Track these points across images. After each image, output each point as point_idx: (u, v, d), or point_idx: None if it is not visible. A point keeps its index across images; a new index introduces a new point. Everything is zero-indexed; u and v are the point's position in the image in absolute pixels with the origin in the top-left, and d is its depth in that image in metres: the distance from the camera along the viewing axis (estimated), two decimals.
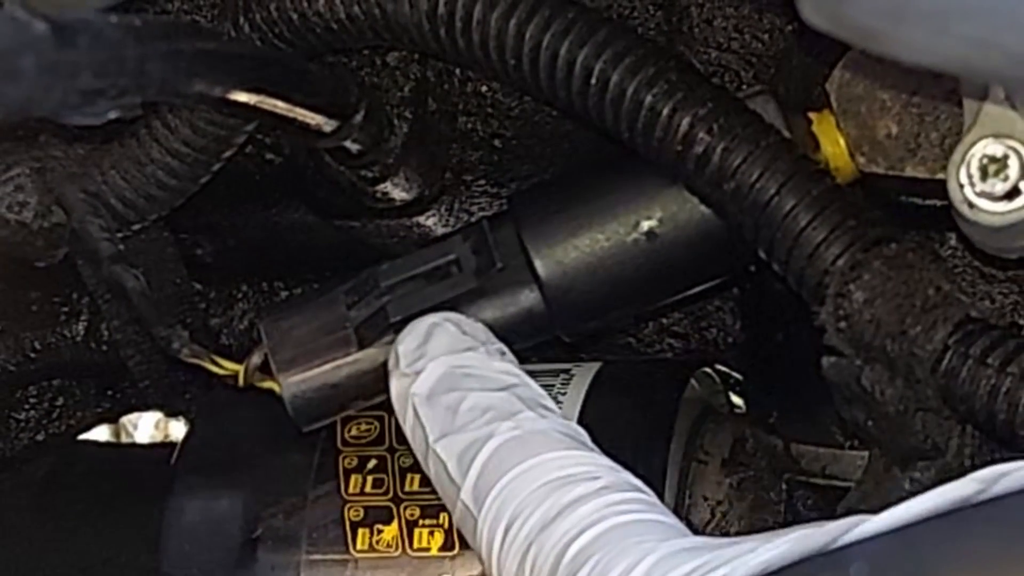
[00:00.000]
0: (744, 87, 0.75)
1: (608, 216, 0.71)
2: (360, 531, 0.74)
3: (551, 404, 0.65)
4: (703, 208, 0.70)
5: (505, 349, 0.68)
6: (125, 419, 1.08)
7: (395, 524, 0.74)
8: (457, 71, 0.78)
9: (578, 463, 0.60)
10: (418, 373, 0.66)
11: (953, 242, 0.75)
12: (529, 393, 0.65)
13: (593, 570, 0.54)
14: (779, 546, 0.48)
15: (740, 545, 0.51)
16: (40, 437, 0.90)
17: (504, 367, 0.66)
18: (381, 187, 0.78)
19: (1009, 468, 0.46)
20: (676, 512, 0.60)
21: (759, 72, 0.75)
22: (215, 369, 0.75)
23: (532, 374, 0.71)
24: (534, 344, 0.74)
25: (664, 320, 0.84)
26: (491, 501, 0.60)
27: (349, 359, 0.72)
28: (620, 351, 0.84)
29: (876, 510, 0.46)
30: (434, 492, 0.72)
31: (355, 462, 0.76)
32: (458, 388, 0.64)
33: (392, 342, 0.71)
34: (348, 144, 0.75)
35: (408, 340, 0.67)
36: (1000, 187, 0.62)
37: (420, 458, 0.65)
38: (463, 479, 0.62)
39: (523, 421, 0.63)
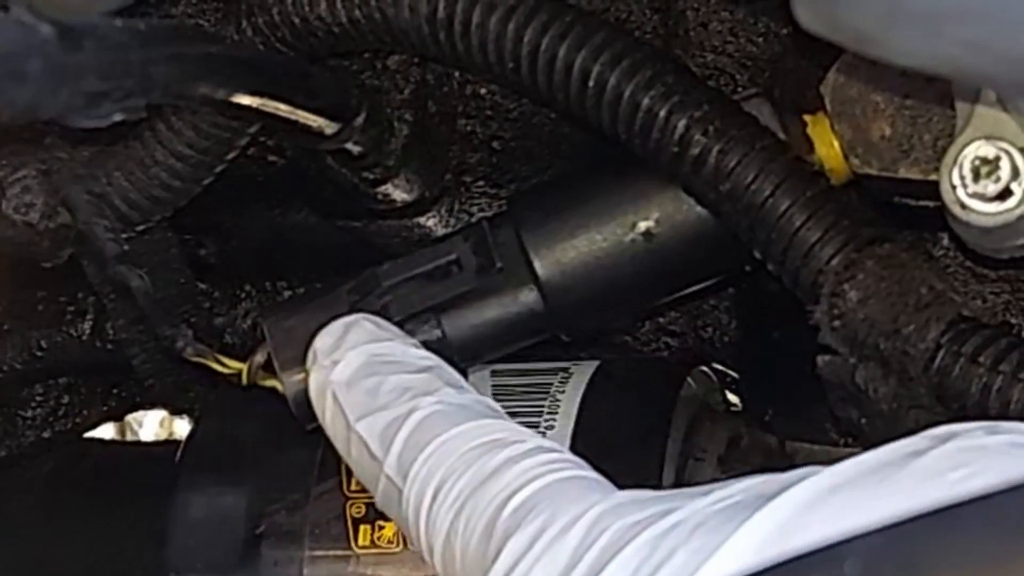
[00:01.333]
0: (740, 90, 0.76)
1: (606, 217, 0.72)
2: (362, 527, 0.74)
3: (468, 386, 0.65)
4: (699, 209, 0.71)
5: (419, 343, 0.68)
6: (130, 417, 1.09)
7: None
8: (456, 74, 0.79)
9: (503, 430, 0.60)
10: (336, 363, 0.66)
11: (945, 242, 0.75)
12: (447, 374, 0.65)
13: (536, 522, 0.53)
14: (732, 491, 0.49)
15: (687, 492, 0.50)
16: (46, 435, 0.90)
17: (422, 353, 0.66)
18: (382, 188, 0.78)
19: (960, 428, 0.47)
20: None
21: (754, 75, 0.76)
22: (219, 368, 0.75)
23: (531, 372, 0.72)
24: (533, 343, 0.75)
25: (661, 319, 0.84)
26: (417, 469, 0.59)
27: None
28: (618, 350, 0.84)
29: (828, 463, 0.47)
30: None
31: None
32: (378, 373, 0.64)
33: None
34: (349, 146, 0.75)
35: (325, 337, 0.67)
36: (992, 188, 0.62)
37: (340, 446, 0.64)
38: (386, 454, 0.61)
39: (445, 396, 0.62)
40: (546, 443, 0.59)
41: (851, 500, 0.45)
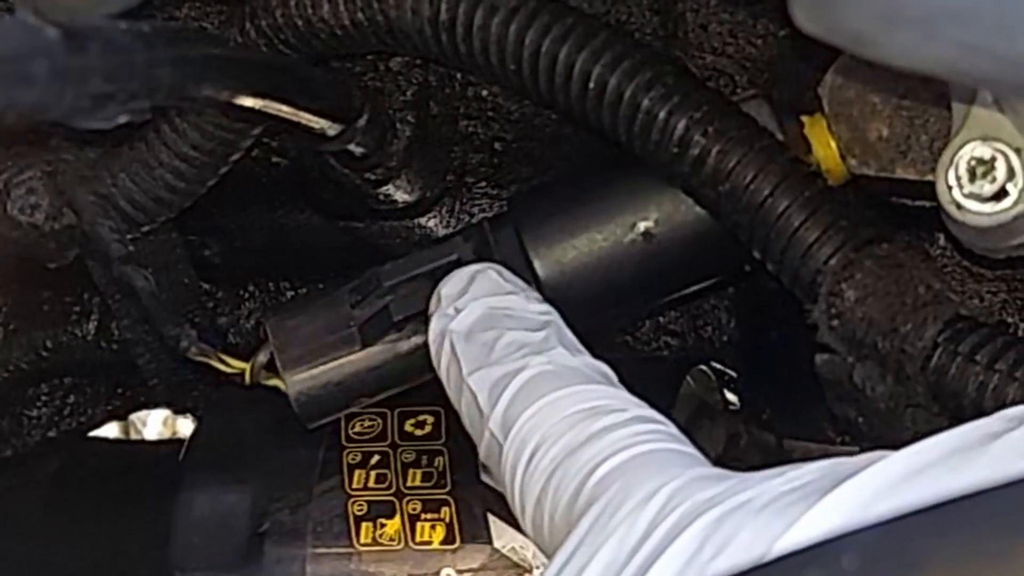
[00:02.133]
0: (738, 91, 0.76)
1: (606, 217, 0.72)
2: (363, 525, 0.75)
3: (583, 348, 0.65)
4: (698, 209, 0.71)
5: (541, 298, 0.68)
6: (134, 416, 1.09)
7: (397, 518, 0.75)
8: (458, 76, 0.79)
9: (606, 396, 0.60)
10: (458, 312, 0.66)
11: (942, 242, 0.76)
12: (564, 334, 0.65)
13: (617, 493, 0.53)
14: (805, 472, 0.49)
15: (764, 472, 0.50)
16: (52, 434, 0.90)
17: (543, 308, 0.66)
18: (384, 189, 0.79)
19: None
20: None
21: (753, 76, 0.76)
22: (222, 367, 0.75)
23: None
24: None
25: (661, 319, 0.85)
26: (518, 428, 0.60)
27: (353, 357, 0.73)
28: (617, 349, 0.84)
29: (898, 446, 0.47)
30: (435, 487, 0.73)
31: (359, 458, 0.76)
32: (496, 327, 0.64)
33: (396, 341, 0.73)
34: (352, 147, 0.76)
35: (451, 284, 0.67)
36: (988, 189, 0.63)
37: (453, 394, 0.65)
38: (492, 409, 0.61)
39: (556, 356, 0.62)
40: (647, 412, 0.59)
41: (925, 486, 0.44)
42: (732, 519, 0.48)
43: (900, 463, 0.46)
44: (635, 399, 0.61)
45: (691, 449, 0.58)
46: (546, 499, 0.58)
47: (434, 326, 0.67)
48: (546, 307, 0.67)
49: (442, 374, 0.66)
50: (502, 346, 0.64)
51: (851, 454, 0.71)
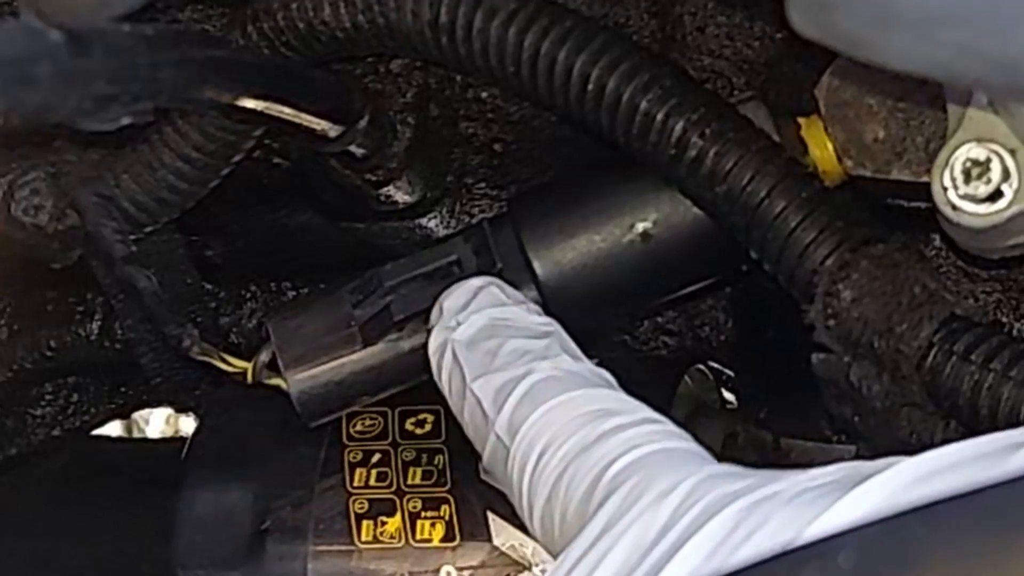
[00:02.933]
0: (736, 93, 0.76)
1: (604, 218, 0.73)
2: (364, 523, 0.75)
3: (583, 356, 0.65)
4: (696, 210, 0.71)
5: (542, 311, 0.69)
6: (137, 415, 1.09)
7: (398, 516, 0.75)
8: (458, 78, 0.79)
9: (613, 399, 0.61)
10: (459, 324, 0.66)
11: (937, 242, 0.76)
12: (566, 342, 0.65)
13: (635, 487, 0.54)
14: (829, 471, 0.49)
15: (786, 471, 0.51)
16: (56, 432, 0.90)
17: (543, 319, 0.67)
18: (385, 190, 0.79)
19: None
20: None
21: (750, 78, 0.76)
22: (224, 366, 0.76)
23: None
24: None
25: (658, 319, 0.85)
26: (526, 430, 0.60)
27: (354, 356, 0.73)
28: (616, 349, 0.85)
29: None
30: (435, 485, 0.74)
31: (360, 456, 0.77)
32: (499, 335, 0.65)
33: (396, 340, 0.73)
34: (353, 148, 0.76)
35: (454, 297, 0.68)
36: (983, 190, 0.63)
37: (455, 403, 0.65)
38: (497, 413, 0.62)
39: (559, 362, 0.63)
40: (653, 415, 0.60)
41: (950, 486, 0.44)
42: (761, 508, 0.48)
43: (924, 464, 0.46)
44: (640, 403, 0.61)
45: (702, 449, 0.58)
46: (556, 498, 0.58)
47: (435, 337, 0.67)
48: (547, 319, 0.67)
49: (443, 384, 0.66)
50: (505, 353, 0.64)
51: (848, 453, 0.72)
